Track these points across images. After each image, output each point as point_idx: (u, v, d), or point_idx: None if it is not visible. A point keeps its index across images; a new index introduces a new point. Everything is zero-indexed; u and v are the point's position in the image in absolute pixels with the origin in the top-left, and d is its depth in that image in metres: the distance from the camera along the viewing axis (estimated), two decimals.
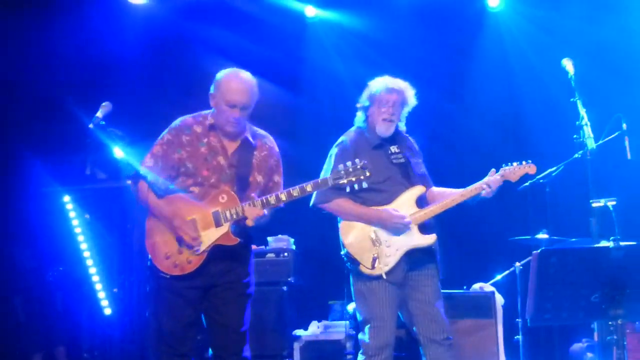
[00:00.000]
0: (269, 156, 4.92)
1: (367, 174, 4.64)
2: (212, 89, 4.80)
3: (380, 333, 5.09)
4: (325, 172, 5.24)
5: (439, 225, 5.33)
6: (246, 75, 4.79)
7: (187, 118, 4.87)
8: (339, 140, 5.36)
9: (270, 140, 4.99)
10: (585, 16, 7.66)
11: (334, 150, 5.33)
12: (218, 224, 4.62)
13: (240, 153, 4.80)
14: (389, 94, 5.26)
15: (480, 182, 5.21)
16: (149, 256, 4.67)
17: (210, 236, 4.61)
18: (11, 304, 7.54)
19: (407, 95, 5.31)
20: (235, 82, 4.73)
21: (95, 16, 7.82)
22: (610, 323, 3.88)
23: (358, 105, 5.40)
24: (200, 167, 4.72)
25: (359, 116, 5.41)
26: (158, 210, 4.65)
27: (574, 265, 3.75)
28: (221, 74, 4.80)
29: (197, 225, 4.62)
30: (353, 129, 5.43)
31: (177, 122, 4.86)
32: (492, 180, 5.20)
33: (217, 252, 4.64)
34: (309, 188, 4.65)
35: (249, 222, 4.60)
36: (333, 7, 8.51)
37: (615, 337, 3.87)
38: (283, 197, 4.62)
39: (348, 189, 4.70)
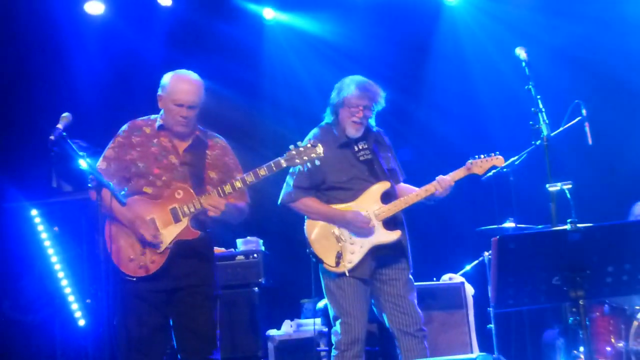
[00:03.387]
0: (224, 154, 4.97)
1: (319, 151, 4.70)
2: (159, 91, 4.87)
3: (350, 328, 5.14)
4: (291, 174, 5.28)
5: (407, 218, 5.37)
6: (192, 74, 4.89)
7: (136, 120, 4.96)
8: (307, 136, 5.35)
9: (222, 140, 5.06)
10: (539, 6, 7.75)
11: None
12: (177, 220, 4.68)
13: (193, 151, 4.88)
14: (360, 99, 5.24)
15: (444, 177, 5.22)
16: (114, 262, 4.67)
17: (170, 232, 4.68)
18: None
19: (378, 99, 5.30)
20: (182, 82, 4.82)
21: (55, 28, 7.78)
22: (575, 306, 3.93)
23: (330, 101, 5.37)
24: (151, 166, 4.78)
25: (328, 113, 5.40)
26: (121, 216, 4.70)
27: (533, 250, 3.80)
28: (167, 76, 4.88)
29: (156, 223, 4.68)
30: (322, 124, 5.43)
31: (126, 125, 4.95)
32: (456, 174, 5.25)
33: (180, 249, 4.69)
34: (262, 172, 4.69)
35: (210, 213, 4.65)
36: (291, 9, 8.50)
37: (578, 318, 3.92)
38: (238, 184, 4.68)
39: (303, 168, 4.78)
